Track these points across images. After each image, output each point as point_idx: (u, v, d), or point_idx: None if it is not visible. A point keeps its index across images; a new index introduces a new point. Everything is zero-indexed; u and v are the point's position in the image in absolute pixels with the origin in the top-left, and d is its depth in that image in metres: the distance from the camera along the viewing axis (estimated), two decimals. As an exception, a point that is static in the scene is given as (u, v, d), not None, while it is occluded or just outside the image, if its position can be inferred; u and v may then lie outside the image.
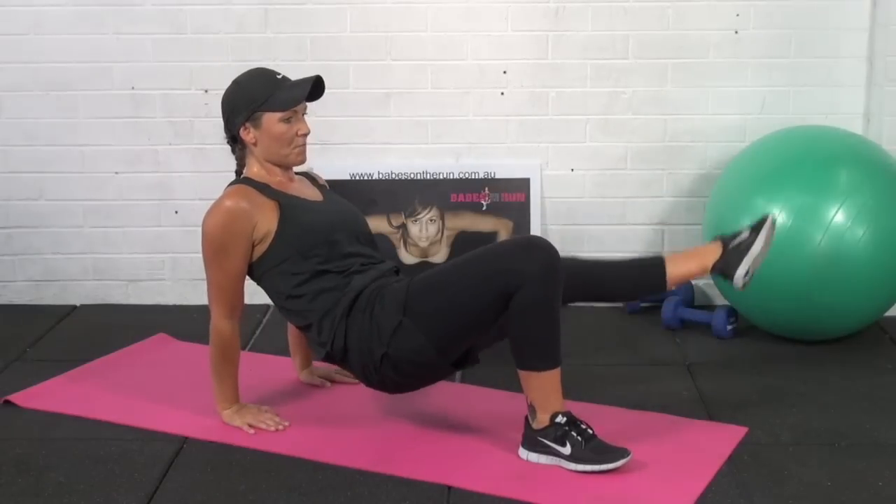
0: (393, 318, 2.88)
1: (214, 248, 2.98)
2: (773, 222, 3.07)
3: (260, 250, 3.00)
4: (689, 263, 3.06)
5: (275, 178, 3.06)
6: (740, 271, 2.99)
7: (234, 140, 3.08)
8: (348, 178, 4.07)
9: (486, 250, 2.91)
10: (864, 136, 3.89)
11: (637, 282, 3.10)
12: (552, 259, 2.79)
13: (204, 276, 3.96)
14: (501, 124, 4.10)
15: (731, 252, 3.02)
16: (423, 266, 4.07)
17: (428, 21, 4.03)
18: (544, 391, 2.82)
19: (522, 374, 2.83)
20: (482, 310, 2.81)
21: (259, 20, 4.03)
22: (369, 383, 3.02)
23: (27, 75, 4.08)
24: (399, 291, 2.91)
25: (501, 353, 3.02)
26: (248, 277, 3.08)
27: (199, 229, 4.07)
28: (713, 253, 3.05)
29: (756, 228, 3.05)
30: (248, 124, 3.02)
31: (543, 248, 2.81)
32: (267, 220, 2.99)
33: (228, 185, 3.06)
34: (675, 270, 3.04)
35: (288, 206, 3.01)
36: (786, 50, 4.02)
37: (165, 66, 4.07)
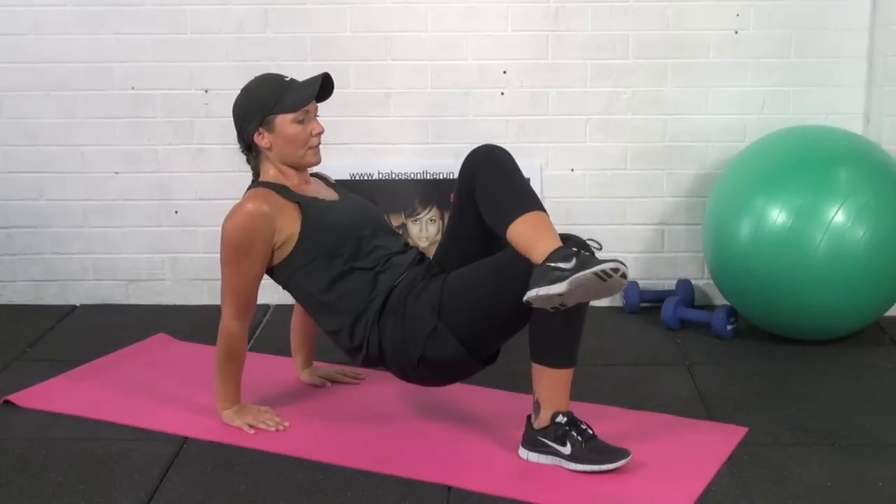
0: (427, 322, 2.87)
1: (233, 249, 2.97)
2: (602, 277, 2.59)
3: (283, 253, 3.00)
4: (525, 241, 2.74)
5: (292, 181, 3.06)
6: (531, 294, 2.64)
7: (249, 149, 3.08)
8: (348, 178, 4.07)
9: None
10: (864, 136, 3.89)
11: (494, 212, 2.84)
12: None
13: (204, 275, 3.96)
14: (501, 124, 4.10)
15: (544, 270, 2.65)
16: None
17: (428, 21, 4.03)
18: (553, 388, 2.82)
19: (536, 367, 2.83)
20: (516, 312, 2.79)
21: (259, 20, 4.03)
22: (408, 381, 3.03)
23: (27, 75, 4.08)
24: (432, 292, 2.89)
25: (501, 353, 3.02)
26: (273, 280, 3.08)
27: (199, 229, 4.13)
28: (542, 254, 2.69)
29: (582, 266, 2.61)
30: (261, 129, 3.01)
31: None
32: (289, 223, 2.98)
33: (248, 189, 3.06)
34: (517, 235, 2.76)
35: (309, 207, 3.01)
36: (786, 50, 4.02)
37: (165, 66, 4.07)
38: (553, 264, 2.64)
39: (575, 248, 2.69)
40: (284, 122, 3.00)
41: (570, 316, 2.76)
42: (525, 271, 2.74)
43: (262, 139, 3.03)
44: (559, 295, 2.60)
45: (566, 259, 2.64)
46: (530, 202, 2.85)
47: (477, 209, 2.93)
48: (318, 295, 3.00)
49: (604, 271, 2.60)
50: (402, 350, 2.91)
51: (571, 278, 2.59)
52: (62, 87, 4.09)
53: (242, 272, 2.98)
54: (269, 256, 3.00)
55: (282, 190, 3.02)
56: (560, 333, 2.79)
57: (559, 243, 2.71)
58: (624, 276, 2.62)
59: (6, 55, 4.07)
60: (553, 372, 2.81)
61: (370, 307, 2.95)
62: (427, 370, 2.92)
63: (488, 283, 2.84)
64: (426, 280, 2.96)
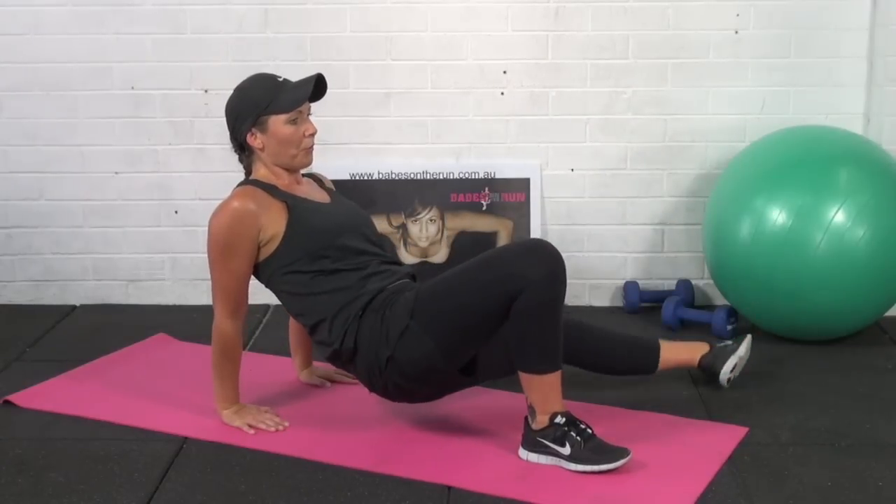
0: (401, 322, 2.87)
1: (220, 248, 2.97)
2: (751, 339, 3.39)
3: (268, 251, 3.00)
4: (681, 353, 3.29)
5: (282, 181, 3.06)
6: (727, 367, 3.26)
7: (242, 148, 3.08)
8: (348, 178, 4.07)
9: (492, 254, 2.91)
10: (864, 136, 3.89)
11: (630, 363, 3.26)
12: (556, 263, 2.79)
13: (204, 275, 3.97)
14: (501, 124, 4.10)
15: (719, 350, 3.30)
16: (423, 266, 4.07)
17: (428, 21, 4.03)
18: (544, 393, 2.82)
19: (523, 375, 2.83)
20: (487, 314, 2.81)
21: (259, 20, 4.03)
22: (373, 388, 3.02)
23: (27, 75, 4.08)
24: (408, 298, 2.91)
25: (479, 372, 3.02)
26: (255, 278, 3.08)
27: (199, 229, 4.12)
28: (702, 349, 3.31)
29: (737, 341, 3.35)
30: (254, 130, 3.02)
31: (548, 251, 2.81)
32: (275, 222, 2.98)
33: (236, 187, 3.06)
34: (669, 356, 3.26)
35: (296, 207, 3.01)
36: (786, 50, 4.02)
37: (165, 66, 4.07)
38: (720, 346, 3.33)
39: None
40: (278, 122, 3.00)
41: (545, 320, 2.78)
42: (495, 275, 2.79)
43: (255, 139, 3.03)
44: (742, 357, 3.31)
45: (720, 343, 3.37)
46: (648, 341, 3.34)
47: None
48: (301, 291, 3.00)
49: (749, 342, 3.37)
50: (374, 349, 2.91)
51: (741, 345, 3.33)
52: (62, 87, 4.09)
53: (231, 270, 2.98)
54: (256, 254, 3.00)
55: (270, 188, 3.02)
56: (540, 339, 2.79)
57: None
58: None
59: (6, 55, 4.07)
60: (541, 378, 2.81)
61: (355, 303, 2.95)
62: (395, 372, 2.91)
63: (461, 286, 2.85)
64: (409, 289, 2.98)
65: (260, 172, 3.08)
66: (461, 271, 2.90)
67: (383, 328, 2.90)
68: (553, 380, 2.82)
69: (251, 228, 2.96)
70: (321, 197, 3.15)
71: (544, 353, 2.80)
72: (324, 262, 2.98)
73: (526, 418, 2.87)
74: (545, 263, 2.78)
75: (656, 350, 3.24)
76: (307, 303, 3.01)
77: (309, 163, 3.09)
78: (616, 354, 3.23)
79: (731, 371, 3.26)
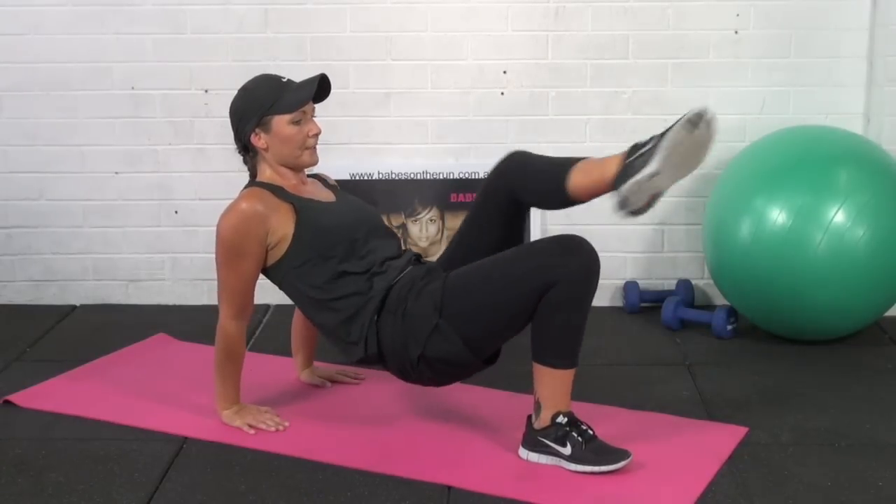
0: (429, 320, 2.86)
1: (228, 249, 2.97)
2: (692, 122, 2.53)
3: (277, 254, 3.00)
4: (592, 173, 2.80)
5: (288, 182, 3.06)
6: (623, 191, 2.65)
7: (246, 149, 3.08)
8: (348, 178, 4.07)
9: (524, 248, 2.88)
10: (864, 136, 3.89)
11: (545, 185, 2.91)
12: (593, 260, 2.77)
13: (204, 275, 3.97)
14: (501, 124, 4.10)
15: (627, 167, 2.67)
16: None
17: (428, 21, 4.03)
18: (554, 389, 2.82)
19: (537, 367, 2.83)
20: (520, 310, 2.80)
21: (259, 20, 4.03)
22: (407, 380, 3.02)
23: (27, 75, 4.08)
24: (434, 291, 2.89)
25: (502, 353, 3.02)
26: (269, 280, 3.08)
27: (199, 229, 4.13)
28: (614, 164, 2.73)
29: (662, 136, 2.61)
30: (258, 130, 3.02)
31: (584, 248, 2.78)
32: (283, 224, 2.98)
33: (243, 189, 3.06)
34: (581, 182, 2.83)
35: (304, 208, 3.01)
36: (786, 50, 4.02)
37: (165, 66, 4.07)
38: (631, 158, 2.63)
39: (644, 140, 2.64)
40: (281, 122, 3.01)
41: (572, 315, 2.77)
42: (529, 267, 2.76)
43: (259, 140, 3.03)
44: (653, 174, 2.54)
45: (642, 147, 2.61)
46: (573, 159, 2.89)
47: (498, 217, 2.95)
48: (313, 295, 3.00)
49: (688, 120, 2.51)
50: (401, 348, 2.91)
51: (659, 147, 2.51)
52: (62, 87, 4.09)
53: (238, 272, 2.98)
54: (264, 256, 3.00)
55: (277, 190, 3.02)
56: (562, 333, 2.79)
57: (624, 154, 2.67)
58: (711, 120, 2.51)
59: (6, 55, 4.07)
60: (554, 372, 2.81)
61: (367, 307, 2.94)
62: (427, 368, 2.91)
63: (492, 280, 2.83)
64: (427, 279, 2.96)
65: (266, 174, 3.08)
66: (492, 266, 2.86)
67: (406, 325, 2.89)
68: (566, 377, 2.81)
69: (259, 229, 2.96)
70: (327, 196, 3.15)
71: (564, 347, 2.79)
72: (332, 261, 2.98)
73: (529, 417, 2.87)
74: (583, 257, 2.76)
75: (568, 169, 2.77)
76: (318, 311, 3.01)
77: (314, 162, 3.09)
78: (539, 177, 2.89)
79: (628, 190, 2.57)
